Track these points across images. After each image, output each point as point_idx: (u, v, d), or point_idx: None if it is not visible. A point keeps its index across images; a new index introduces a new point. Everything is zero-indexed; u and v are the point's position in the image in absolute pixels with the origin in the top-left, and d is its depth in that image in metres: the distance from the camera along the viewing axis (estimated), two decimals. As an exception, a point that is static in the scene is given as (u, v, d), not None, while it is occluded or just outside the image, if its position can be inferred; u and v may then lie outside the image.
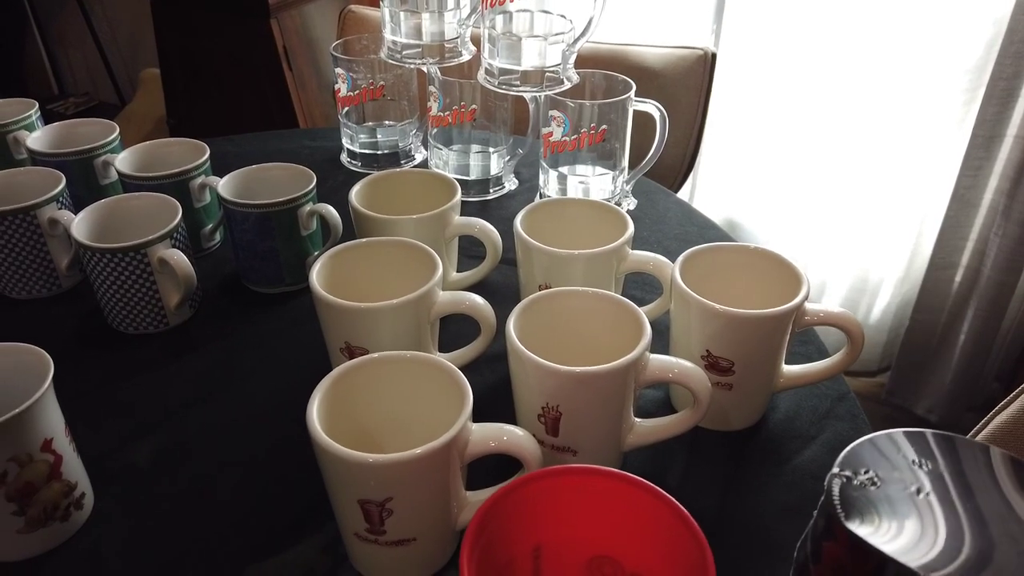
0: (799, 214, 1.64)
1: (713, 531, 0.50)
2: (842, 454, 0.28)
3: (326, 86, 1.81)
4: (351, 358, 0.50)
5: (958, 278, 1.55)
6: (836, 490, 0.26)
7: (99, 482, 0.52)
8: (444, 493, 0.44)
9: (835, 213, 1.60)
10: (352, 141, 0.93)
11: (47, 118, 0.84)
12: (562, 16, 0.78)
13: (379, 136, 0.92)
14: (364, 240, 0.59)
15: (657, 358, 0.49)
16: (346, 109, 0.91)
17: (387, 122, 0.93)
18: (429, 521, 0.44)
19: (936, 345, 1.61)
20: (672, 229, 0.82)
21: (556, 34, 0.77)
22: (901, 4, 1.38)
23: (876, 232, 1.59)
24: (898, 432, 0.29)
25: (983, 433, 0.58)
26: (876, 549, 0.24)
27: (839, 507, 0.26)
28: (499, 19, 0.79)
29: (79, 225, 0.64)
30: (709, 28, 1.55)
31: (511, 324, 0.49)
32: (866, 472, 0.27)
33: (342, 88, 0.89)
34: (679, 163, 1.03)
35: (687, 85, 1.00)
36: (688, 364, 0.49)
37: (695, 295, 0.52)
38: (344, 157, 0.95)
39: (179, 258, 0.63)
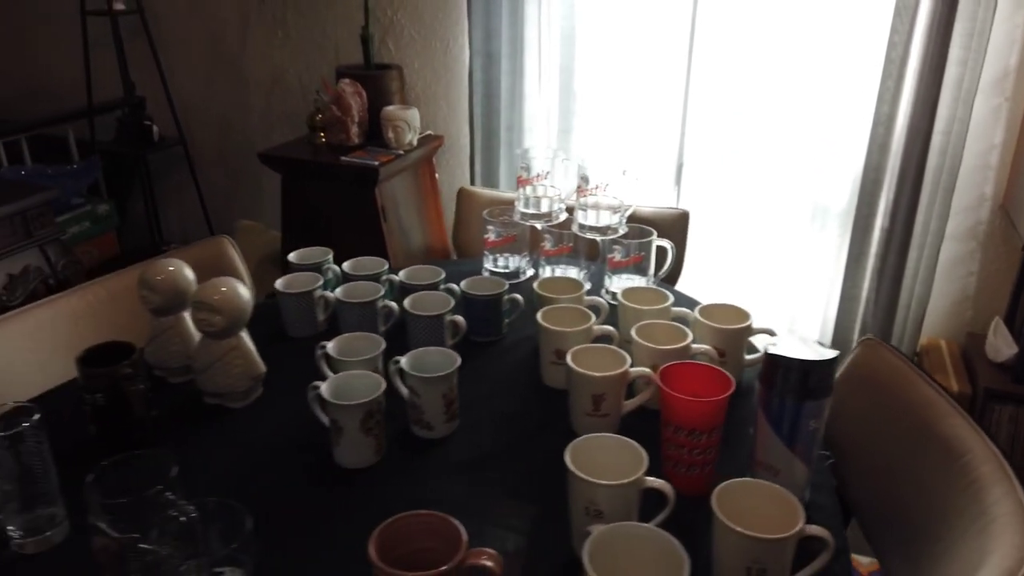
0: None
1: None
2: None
3: (403, 231, 2.53)
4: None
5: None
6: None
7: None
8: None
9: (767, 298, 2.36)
10: (493, 264, 1.63)
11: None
12: (616, 198, 1.52)
13: (508, 262, 1.63)
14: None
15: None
16: (489, 248, 1.62)
17: (507, 255, 1.64)
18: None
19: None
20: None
21: (615, 210, 1.50)
22: (797, 167, 2.20)
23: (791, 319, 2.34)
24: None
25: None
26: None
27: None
28: (586, 198, 1.52)
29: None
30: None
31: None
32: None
33: (491, 236, 1.60)
34: (674, 272, 1.77)
35: (674, 229, 1.75)
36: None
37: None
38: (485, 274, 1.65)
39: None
